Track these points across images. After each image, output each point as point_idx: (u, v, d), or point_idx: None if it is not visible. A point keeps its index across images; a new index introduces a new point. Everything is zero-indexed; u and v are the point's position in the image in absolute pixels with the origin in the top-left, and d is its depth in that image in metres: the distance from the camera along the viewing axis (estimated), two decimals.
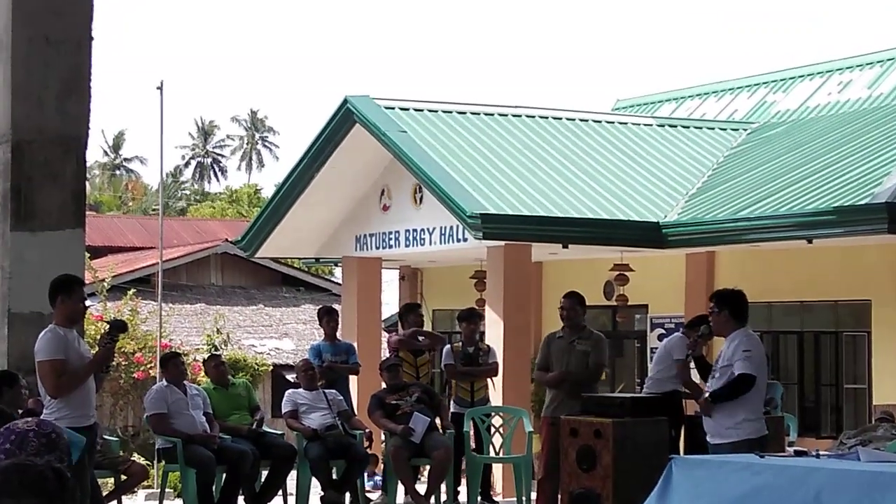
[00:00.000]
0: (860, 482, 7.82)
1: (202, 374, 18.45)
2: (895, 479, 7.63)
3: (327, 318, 15.40)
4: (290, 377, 23.57)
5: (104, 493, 12.81)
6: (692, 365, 10.78)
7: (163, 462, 14.12)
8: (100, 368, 9.86)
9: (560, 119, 20.07)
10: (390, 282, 23.63)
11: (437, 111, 19.19)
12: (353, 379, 15.61)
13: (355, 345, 16.16)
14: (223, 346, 26.87)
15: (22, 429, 4.43)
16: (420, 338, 15.07)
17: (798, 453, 9.12)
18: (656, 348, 14.78)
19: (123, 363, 24.42)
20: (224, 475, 13.04)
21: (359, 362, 15.31)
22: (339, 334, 15.79)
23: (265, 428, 13.97)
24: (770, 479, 8.30)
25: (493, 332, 17.13)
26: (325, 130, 18.82)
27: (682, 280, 18.70)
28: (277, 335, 31.18)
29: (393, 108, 18.66)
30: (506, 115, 19.72)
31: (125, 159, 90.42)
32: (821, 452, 8.95)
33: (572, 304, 12.72)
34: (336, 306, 17.07)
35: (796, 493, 8.07)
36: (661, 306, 19.35)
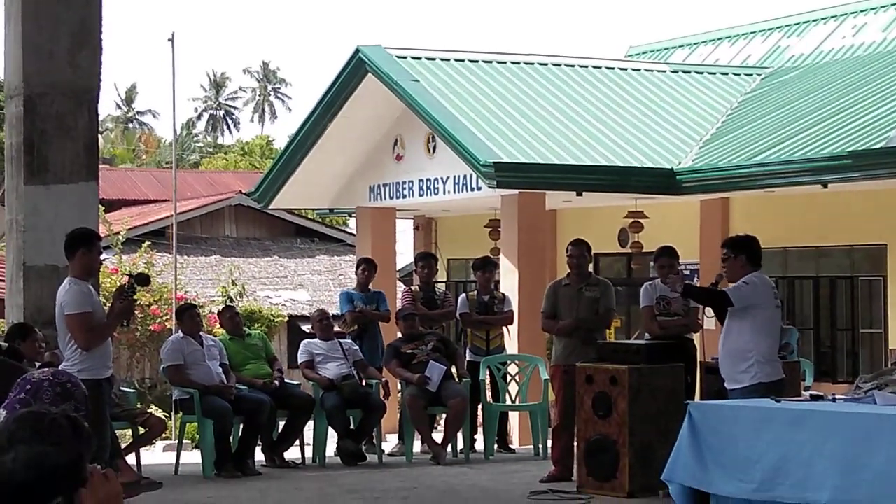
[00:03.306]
0: (874, 424, 7.82)
1: (217, 325, 18.48)
2: None
3: (365, 265, 15.40)
4: (306, 328, 23.61)
5: (122, 446, 12.86)
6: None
7: (180, 413, 14.17)
8: (120, 322, 9.89)
9: (573, 66, 19.98)
10: (405, 231, 23.62)
11: (449, 60, 19.12)
12: (383, 327, 15.54)
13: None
14: (238, 298, 26.91)
15: (37, 379, 4.45)
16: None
17: (814, 398, 9.13)
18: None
19: (140, 315, 24.48)
20: (241, 426, 13.08)
21: (389, 309, 15.33)
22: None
23: (286, 381, 13.99)
24: (787, 423, 8.31)
25: (508, 280, 17.12)
26: (337, 81, 18.76)
27: (697, 226, 18.65)
28: (292, 286, 31.22)
29: (405, 58, 18.58)
30: (518, 63, 19.63)
31: (138, 112, 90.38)
32: (837, 397, 8.96)
33: (581, 251, 12.68)
34: (351, 257, 17.06)
35: (815, 437, 8.08)
36: None
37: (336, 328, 14.83)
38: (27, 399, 4.35)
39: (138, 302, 23.53)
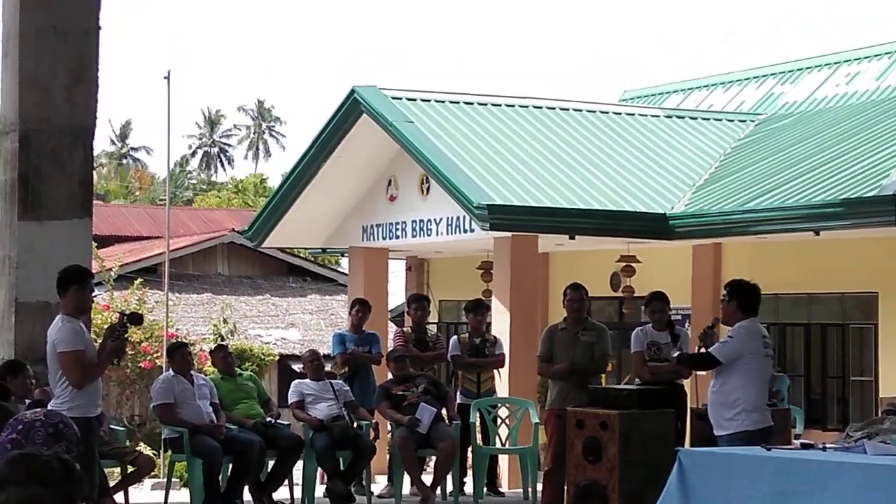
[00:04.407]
0: (866, 475, 7.81)
1: (209, 363, 18.44)
2: None
3: (359, 306, 15.40)
4: (297, 367, 23.57)
5: (111, 484, 12.82)
6: None
7: (169, 452, 14.12)
8: (111, 360, 9.85)
9: (567, 110, 20.04)
10: (397, 272, 23.62)
11: (444, 101, 19.17)
12: (375, 368, 15.51)
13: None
14: (230, 336, 26.88)
15: (29, 419, 4.43)
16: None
17: (804, 446, 9.11)
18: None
19: (130, 353, 24.45)
20: (230, 465, 13.04)
21: (381, 353, 15.30)
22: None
23: (278, 421, 13.95)
24: (778, 472, 8.30)
25: (500, 323, 17.11)
26: (332, 120, 18.81)
27: (689, 272, 18.67)
28: (284, 325, 31.19)
29: (400, 99, 18.64)
30: (513, 106, 19.70)
31: (132, 149, 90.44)
32: (827, 445, 8.94)
33: (580, 295, 12.74)
34: (343, 297, 17.06)
35: (805, 486, 8.06)
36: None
37: (327, 368, 14.81)
38: (19, 440, 4.33)
39: (129, 339, 23.57)
